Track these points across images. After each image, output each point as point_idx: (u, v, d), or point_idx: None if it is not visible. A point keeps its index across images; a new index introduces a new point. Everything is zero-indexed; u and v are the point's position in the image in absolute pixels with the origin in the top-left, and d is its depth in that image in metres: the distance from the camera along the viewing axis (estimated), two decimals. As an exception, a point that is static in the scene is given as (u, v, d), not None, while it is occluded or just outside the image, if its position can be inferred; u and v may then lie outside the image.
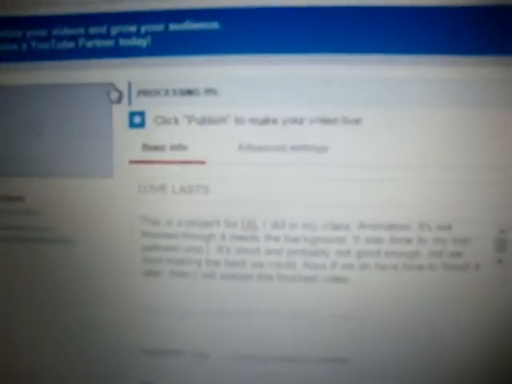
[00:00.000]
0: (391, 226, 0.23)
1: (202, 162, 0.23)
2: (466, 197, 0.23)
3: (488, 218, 0.23)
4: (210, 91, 0.23)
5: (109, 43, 0.23)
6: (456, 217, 0.23)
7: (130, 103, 0.23)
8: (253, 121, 0.23)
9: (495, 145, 0.22)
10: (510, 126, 0.22)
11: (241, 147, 0.23)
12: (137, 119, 0.23)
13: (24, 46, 0.23)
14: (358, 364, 0.24)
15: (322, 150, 0.23)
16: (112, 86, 0.23)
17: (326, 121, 0.22)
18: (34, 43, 0.23)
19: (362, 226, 0.23)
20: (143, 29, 0.22)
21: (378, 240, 0.23)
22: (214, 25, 0.22)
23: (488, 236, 0.23)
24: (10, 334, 0.25)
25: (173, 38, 0.22)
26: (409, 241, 0.23)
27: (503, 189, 0.23)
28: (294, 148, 0.23)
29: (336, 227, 0.23)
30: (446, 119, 0.22)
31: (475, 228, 0.23)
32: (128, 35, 0.22)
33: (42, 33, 0.22)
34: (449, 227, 0.23)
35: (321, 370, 0.24)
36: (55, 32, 0.23)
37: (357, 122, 0.22)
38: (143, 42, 0.22)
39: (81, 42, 0.22)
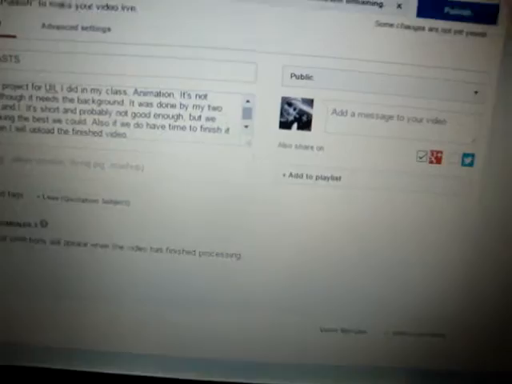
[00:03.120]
0: (158, 93, 0.32)
1: (13, 36, 0.32)
2: (217, 72, 0.32)
3: (236, 90, 0.32)
4: None
5: None
6: (211, 88, 0.32)
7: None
8: (52, 4, 0.32)
9: (246, 30, 0.31)
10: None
11: (44, 26, 0.32)
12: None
13: None
14: (139, 206, 0.34)
15: (106, 30, 0.32)
16: None
17: (110, 7, 0.32)
18: None
19: (136, 92, 0.32)
20: None
21: (149, 104, 0.32)
22: None
23: (236, 105, 0.32)
24: None
25: None
26: (173, 106, 0.32)
27: (247, 66, 0.32)
28: (85, 28, 0.32)
29: (116, 92, 0.32)
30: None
31: (226, 98, 0.32)
32: None
33: None
34: (205, 97, 0.32)
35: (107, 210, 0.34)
36: None
37: (133, 9, 0.31)
38: None
39: None
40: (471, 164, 0.32)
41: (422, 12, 0.30)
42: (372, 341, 0.34)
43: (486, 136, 0.31)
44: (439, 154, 0.32)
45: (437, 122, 0.31)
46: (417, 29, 0.30)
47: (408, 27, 0.30)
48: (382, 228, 0.32)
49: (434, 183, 0.32)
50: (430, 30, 0.30)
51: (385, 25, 0.30)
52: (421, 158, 0.32)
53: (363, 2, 0.30)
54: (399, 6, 0.30)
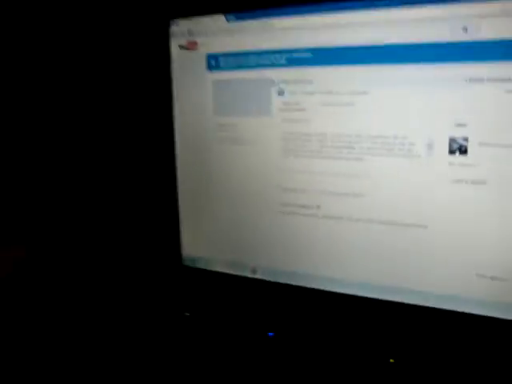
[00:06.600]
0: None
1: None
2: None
3: (422, 139, 0.67)
4: (299, 82, 0.70)
5: (274, 62, 0.72)
6: (410, 134, 0.67)
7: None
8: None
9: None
10: None
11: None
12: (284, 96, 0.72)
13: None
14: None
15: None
16: (271, 80, 0.72)
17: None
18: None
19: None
20: (285, 56, 0.71)
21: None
22: (309, 54, 0.70)
23: (424, 145, 0.67)
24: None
25: (293, 59, 0.71)
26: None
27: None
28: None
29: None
30: None
31: (420, 141, 0.67)
32: (274, 59, 0.71)
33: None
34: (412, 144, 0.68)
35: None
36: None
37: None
38: (282, 61, 0.71)
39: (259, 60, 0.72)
40: None
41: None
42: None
43: None
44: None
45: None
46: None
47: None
48: None
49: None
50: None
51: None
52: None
53: None
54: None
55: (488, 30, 0.56)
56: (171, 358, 0.70)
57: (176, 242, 0.78)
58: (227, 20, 0.69)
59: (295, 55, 0.66)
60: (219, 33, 0.70)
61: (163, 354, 0.70)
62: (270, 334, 0.73)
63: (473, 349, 0.63)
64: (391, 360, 0.66)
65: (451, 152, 0.61)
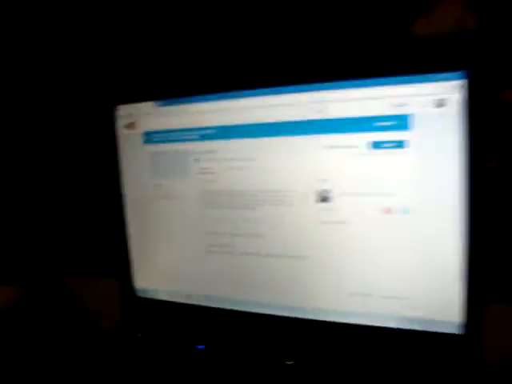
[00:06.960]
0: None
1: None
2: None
3: (301, 190, 0.91)
4: (209, 152, 0.95)
5: (191, 137, 0.96)
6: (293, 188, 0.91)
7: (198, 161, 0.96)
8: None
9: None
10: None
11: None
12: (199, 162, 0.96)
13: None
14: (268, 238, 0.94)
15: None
16: (189, 151, 0.96)
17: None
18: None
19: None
20: (197, 132, 0.95)
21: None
22: (214, 130, 0.94)
23: (303, 195, 0.91)
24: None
25: (204, 135, 0.95)
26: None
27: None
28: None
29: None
30: None
31: (299, 195, 0.91)
32: (190, 135, 0.96)
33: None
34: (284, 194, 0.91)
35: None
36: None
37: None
38: (196, 137, 0.95)
39: (180, 136, 0.97)
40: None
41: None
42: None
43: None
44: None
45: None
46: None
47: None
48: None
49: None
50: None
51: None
52: (381, 211, 0.86)
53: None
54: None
55: (334, 111, 0.80)
56: (126, 368, 0.92)
57: (129, 278, 1.01)
58: (155, 105, 0.93)
59: (204, 132, 0.89)
60: (150, 115, 0.93)
61: (119, 364, 0.93)
62: (200, 346, 0.94)
63: (349, 350, 0.85)
64: (290, 362, 0.87)
65: (319, 201, 0.83)
